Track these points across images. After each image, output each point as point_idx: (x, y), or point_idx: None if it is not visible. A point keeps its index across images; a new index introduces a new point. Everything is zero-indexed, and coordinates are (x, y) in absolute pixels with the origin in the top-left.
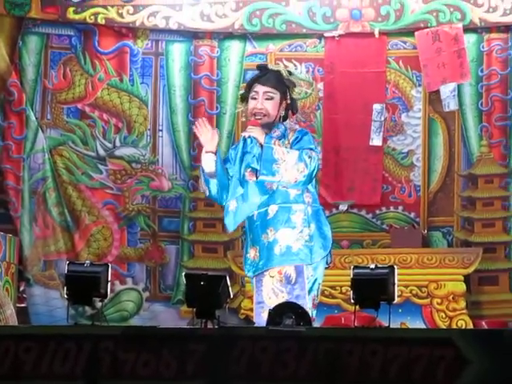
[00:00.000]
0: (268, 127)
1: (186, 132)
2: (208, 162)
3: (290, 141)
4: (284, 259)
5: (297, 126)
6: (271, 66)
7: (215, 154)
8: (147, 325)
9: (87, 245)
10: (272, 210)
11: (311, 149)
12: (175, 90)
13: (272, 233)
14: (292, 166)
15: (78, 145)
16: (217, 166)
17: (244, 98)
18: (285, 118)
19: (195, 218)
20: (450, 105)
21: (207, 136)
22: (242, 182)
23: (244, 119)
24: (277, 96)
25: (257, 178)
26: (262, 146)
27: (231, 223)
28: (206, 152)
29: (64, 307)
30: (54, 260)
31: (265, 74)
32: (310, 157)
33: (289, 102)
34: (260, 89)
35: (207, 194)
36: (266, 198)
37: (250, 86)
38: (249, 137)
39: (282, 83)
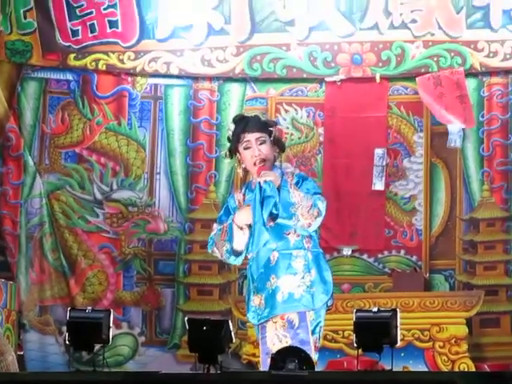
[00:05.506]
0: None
1: (184, 175)
2: (241, 239)
3: (292, 184)
4: (287, 306)
5: (293, 169)
6: (247, 114)
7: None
8: (142, 370)
9: (82, 289)
10: (273, 256)
11: (321, 194)
12: (174, 133)
13: (274, 280)
14: (307, 211)
15: (75, 189)
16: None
17: (232, 152)
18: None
19: (190, 260)
20: (456, 142)
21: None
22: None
23: (241, 174)
24: (267, 138)
25: (274, 221)
26: (279, 189)
27: (255, 270)
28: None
29: (59, 353)
30: (50, 305)
31: (247, 123)
32: (322, 202)
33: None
34: (251, 136)
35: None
36: (282, 243)
37: (237, 139)
38: (265, 182)
39: (264, 125)
